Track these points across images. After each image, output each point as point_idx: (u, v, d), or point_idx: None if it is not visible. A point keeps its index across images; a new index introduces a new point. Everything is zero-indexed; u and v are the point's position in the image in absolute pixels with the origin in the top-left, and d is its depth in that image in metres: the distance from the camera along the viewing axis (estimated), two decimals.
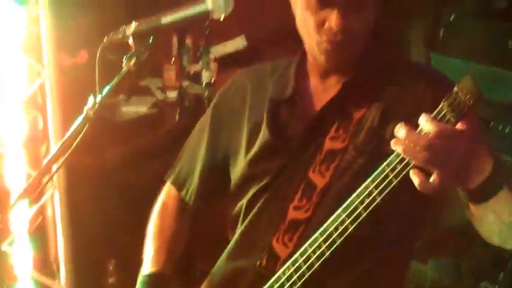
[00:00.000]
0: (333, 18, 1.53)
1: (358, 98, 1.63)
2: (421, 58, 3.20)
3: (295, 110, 1.69)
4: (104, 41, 1.48)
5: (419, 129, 1.27)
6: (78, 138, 1.47)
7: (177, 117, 3.60)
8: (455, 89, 1.26)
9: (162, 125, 3.61)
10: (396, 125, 1.50)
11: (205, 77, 3.81)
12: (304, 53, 1.72)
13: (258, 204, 1.67)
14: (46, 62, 2.30)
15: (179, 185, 1.89)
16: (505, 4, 3.09)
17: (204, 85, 3.80)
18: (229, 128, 1.79)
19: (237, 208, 1.74)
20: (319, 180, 1.60)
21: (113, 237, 3.00)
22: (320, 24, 1.56)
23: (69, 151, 1.49)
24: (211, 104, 1.89)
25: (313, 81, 1.72)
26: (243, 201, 1.71)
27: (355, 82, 1.63)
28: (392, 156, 1.35)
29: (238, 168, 1.73)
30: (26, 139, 2.50)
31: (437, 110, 1.28)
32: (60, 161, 1.50)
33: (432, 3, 3.25)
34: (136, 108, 3.54)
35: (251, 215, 1.68)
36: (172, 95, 3.70)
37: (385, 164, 1.37)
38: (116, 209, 2.97)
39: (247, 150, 1.71)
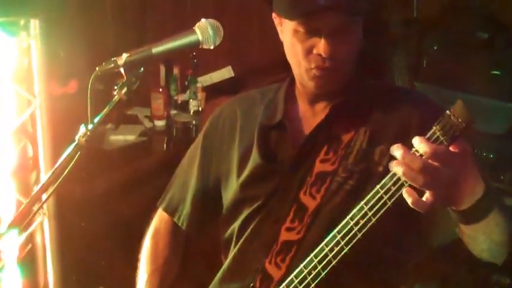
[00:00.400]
0: (321, 46, 1.56)
1: (347, 121, 1.66)
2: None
3: (285, 134, 1.72)
4: (96, 70, 1.49)
5: (413, 150, 1.28)
6: (70, 166, 1.49)
7: (164, 145, 3.64)
8: (448, 112, 1.28)
9: (150, 153, 3.62)
10: (383, 146, 1.56)
11: (193, 105, 3.87)
12: (293, 79, 1.75)
13: (251, 227, 1.70)
14: (37, 91, 2.33)
15: (171, 211, 1.91)
16: (487, 34, 3.16)
17: (191, 114, 3.86)
18: (220, 154, 1.82)
19: (229, 231, 1.76)
20: (310, 202, 1.63)
21: (102, 264, 3.01)
22: (308, 52, 1.59)
23: (60, 179, 1.50)
24: (202, 132, 1.92)
25: (302, 106, 1.75)
26: (235, 225, 1.74)
27: (342, 106, 1.67)
28: (386, 178, 1.37)
29: (230, 192, 1.76)
30: (15, 167, 2.51)
31: (430, 133, 1.29)
32: (51, 189, 1.51)
33: (415, 34, 3.31)
34: (124, 136, 3.57)
35: (244, 237, 1.71)
36: (160, 123, 3.75)
37: (379, 186, 1.38)
38: (105, 237, 2.98)
39: (239, 174, 1.74)
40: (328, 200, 1.62)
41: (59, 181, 1.51)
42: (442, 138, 1.28)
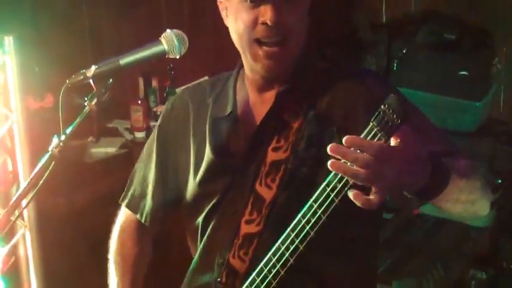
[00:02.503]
0: (266, 14, 1.55)
1: (295, 107, 1.66)
2: None
3: (236, 126, 1.72)
4: (66, 82, 1.53)
5: (352, 148, 1.28)
6: (45, 176, 1.52)
7: None
8: (382, 107, 1.27)
9: (131, 165, 3.64)
10: (333, 129, 1.57)
11: None
12: (241, 67, 1.74)
13: (213, 222, 1.70)
14: (13, 106, 2.37)
15: (134, 207, 1.89)
16: (454, 36, 3.23)
17: None
18: (176, 148, 1.81)
19: (194, 225, 1.76)
20: (266, 192, 1.63)
21: (84, 276, 3.03)
22: (254, 22, 1.58)
23: (36, 189, 1.54)
24: (157, 125, 1.90)
25: (252, 95, 1.74)
26: (199, 219, 1.73)
27: (289, 92, 1.66)
28: (330, 175, 1.36)
29: (189, 189, 1.76)
30: None
31: (368, 129, 1.29)
32: (28, 198, 1.56)
33: (385, 38, 3.37)
34: (105, 149, 3.59)
35: (207, 232, 1.71)
36: (140, 135, 3.76)
37: (325, 183, 1.37)
38: (87, 249, 3.01)
39: (195, 171, 1.74)
40: (283, 189, 1.61)
41: (35, 191, 1.56)
42: (379, 134, 1.28)
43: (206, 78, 3.95)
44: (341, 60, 3.13)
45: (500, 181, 3.16)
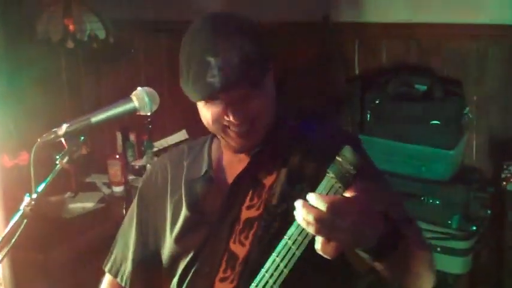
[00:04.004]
0: (230, 115, 1.60)
1: (268, 165, 1.71)
2: None
3: (211, 184, 1.77)
4: (38, 141, 1.54)
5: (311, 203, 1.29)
6: (17, 235, 1.53)
7: (124, 210, 3.66)
8: (338, 158, 1.30)
9: (110, 219, 3.64)
10: (303, 184, 1.61)
11: None
12: None
13: (187, 280, 1.72)
14: None
15: (115, 272, 1.92)
16: (424, 88, 3.29)
17: None
18: (156, 209, 1.86)
19: (171, 287, 1.78)
20: (239, 250, 1.66)
21: None
22: (220, 118, 1.63)
23: (9, 247, 1.54)
24: (138, 190, 1.94)
25: (226, 155, 1.80)
26: (174, 280, 1.76)
27: (263, 152, 1.72)
28: (291, 228, 1.38)
29: (166, 248, 1.79)
30: None
31: (324, 180, 1.31)
32: (0, 257, 1.56)
33: (358, 90, 3.43)
34: (83, 204, 3.61)
35: None
36: (119, 189, 3.78)
37: (286, 236, 1.39)
38: None
39: (172, 228, 1.78)
40: (256, 246, 1.64)
41: (7, 249, 1.56)
42: (337, 185, 1.30)
43: (183, 131, 4.01)
44: (316, 114, 3.17)
45: (475, 228, 3.19)
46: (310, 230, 1.29)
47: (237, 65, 1.55)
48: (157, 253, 1.84)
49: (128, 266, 1.90)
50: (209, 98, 1.61)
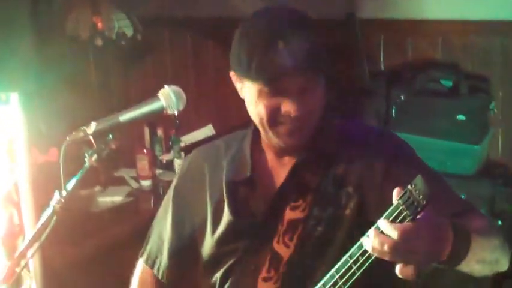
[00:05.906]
0: (289, 106, 1.60)
1: (314, 167, 1.71)
2: None
3: (255, 188, 1.76)
4: (67, 139, 1.57)
5: (381, 230, 1.32)
6: (47, 230, 1.57)
7: (152, 204, 3.71)
8: (409, 187, 1.30)
9: (138, 213, 3.69)
10: (350, 189, 1.62)
11: (178, 164, 3.95)
12: (257, 128, 1.75)
13: (231, 278, 1.74)
14: (19, 160, 2.42)
15: (151, 263, 1.94)
16: (449, 84, 3.29)
17: (176, 172, 3.94)
18: (192, 208, 1.86)
19: (213, 279, 1.80)
20: (283, 251, 1.67)
21: None
22: (275, 110, 1.62)
23: (40, 241, 1.59)
24: (172, 186, 1.94)
25: (270, 157, 1.79)
26: (218, 274, 1.78)
27: (308, 156, 1.71)
28: (354, 248, 1.40)
29: (206, 247, 1.80)
30: (4, 234, 2.58)
31: (393, 207, 1.32)
32: (31, 252, 1.60)
33: (383, 86, 3.43)
34: (111, 198, 3.65)
35: (226, 287, 1.75)
36: (147, 183, 3.84)
37: (347, 255, 1.41)
38: None
39: (213, 230, 1.78)
40: (301, 248, 1.65)
41: (39, 243, 1.60)
42: (404, 213, 1.30)
43: (210, 126, 4.05)
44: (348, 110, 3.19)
45: (500, 222, 3.18)
46: (386, 258, 1.31)
47: (304, 49, 1.56)
48: (194, 249, 1.84)
49: (163, 259, 1.91)
50: (273, 80, 1.58)
